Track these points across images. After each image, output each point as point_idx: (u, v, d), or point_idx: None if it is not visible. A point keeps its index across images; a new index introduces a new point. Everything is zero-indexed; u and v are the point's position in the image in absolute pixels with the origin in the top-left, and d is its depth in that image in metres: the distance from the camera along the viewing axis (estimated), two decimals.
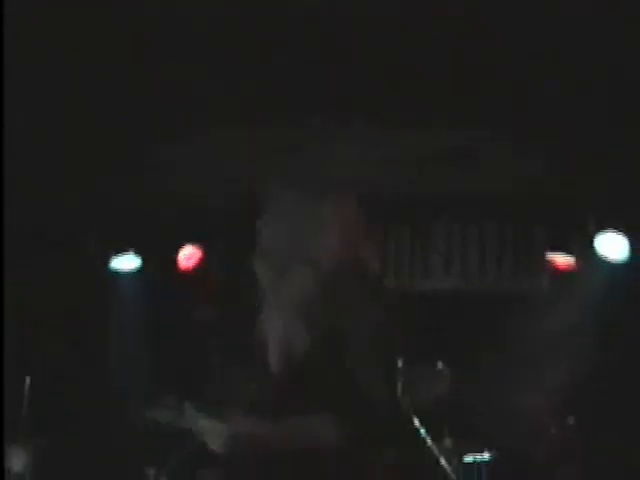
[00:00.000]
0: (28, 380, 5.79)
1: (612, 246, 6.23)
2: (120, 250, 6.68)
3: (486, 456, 5.54)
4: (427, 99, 5.26)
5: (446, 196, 6.52)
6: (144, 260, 6.69)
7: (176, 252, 6.76)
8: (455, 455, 5.50)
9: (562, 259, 6.49)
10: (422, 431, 5.41)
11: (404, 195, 6.50)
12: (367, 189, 6.09)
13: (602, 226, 6.27)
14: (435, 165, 6.08)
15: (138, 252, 6.68)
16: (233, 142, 5.94)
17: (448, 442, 5.57)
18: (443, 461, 5.39)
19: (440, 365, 5.54)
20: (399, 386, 5.39)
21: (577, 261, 6.43)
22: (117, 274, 6.68)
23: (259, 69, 5.08)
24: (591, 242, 6.26)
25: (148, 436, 5.75)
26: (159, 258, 6.72)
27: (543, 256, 6.55)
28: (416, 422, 5.43)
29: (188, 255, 6.78)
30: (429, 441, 5.41)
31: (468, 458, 5.53)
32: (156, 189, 6.39)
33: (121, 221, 6.59)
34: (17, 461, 5.10)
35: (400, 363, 5.41)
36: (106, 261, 6.64)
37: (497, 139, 5.84)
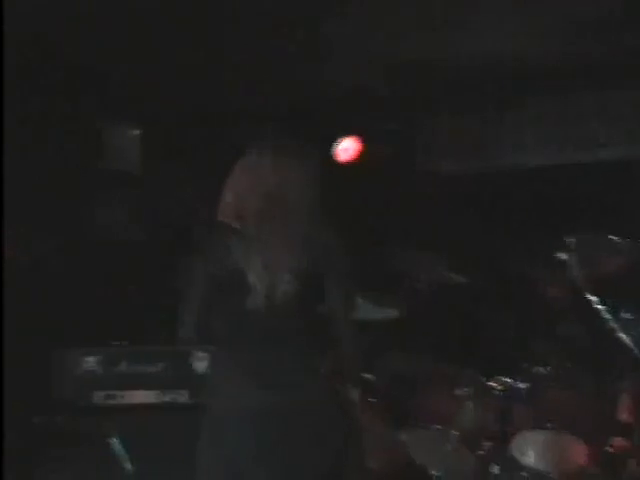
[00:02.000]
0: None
1: None
2: None
3: None
4: None
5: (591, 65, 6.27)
6: None
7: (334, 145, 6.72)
8: (633, 327, 5.36)
9: None
10: (599, 305, 5.29)
11: (556, 64, 6.28)
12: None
13: None
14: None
15: None
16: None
17: (626, 314, 5.43)
18: (621, 334, 5.26)
19: (615, 238, 5.37)
20: (575, 260, 5.27)
21: None
22: None
23: None
24: None
25: None
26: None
27: None
28: (592, 296, 5.30)
29: (346, 147, 6.73)
30: (606, 314, 5.29)
31: None
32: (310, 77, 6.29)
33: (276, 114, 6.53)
34: (200, 364, 5.25)
35: (575, 238, 5.29)
36: None
37: None
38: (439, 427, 5.32)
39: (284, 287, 3.81)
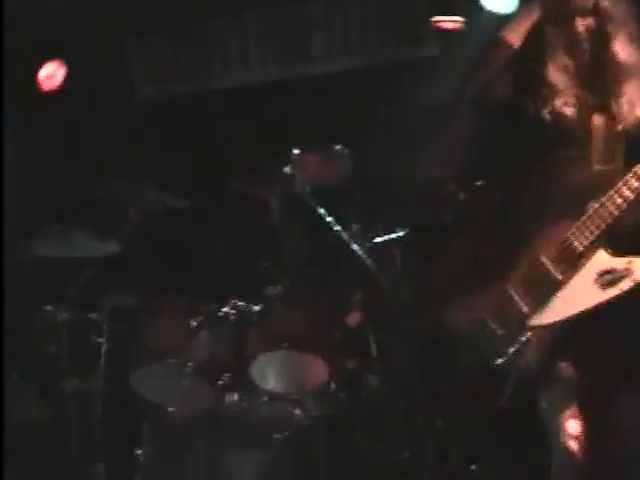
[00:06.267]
0: None
1: None
2: None
3: (397, 234, 5.31)
4: None
5: None
6: None
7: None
8: (365, 238, 5.26)
9: (447, 20, 6.14)
10: (328, 218, 5.15)
11: None
12: None
13: None
14: None
15: None
16: None
17: (356, 227, 5.32)
18: (354, 245, 5.15)
19: (338, 147, 5.22)
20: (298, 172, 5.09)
21: (464, 20, 6.10)
22: None
23: None
24: None
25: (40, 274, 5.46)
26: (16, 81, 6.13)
27: (427, 20, 6.19)
28: (320, 210, 5.16)
29: (50, 74, 6.23)
30: (336, 227, 5.16)
31: (378, 239, 5.30)
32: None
33: None
34: None
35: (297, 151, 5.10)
36: None
37: None
38: (173, 361, 5.03)
39: None
